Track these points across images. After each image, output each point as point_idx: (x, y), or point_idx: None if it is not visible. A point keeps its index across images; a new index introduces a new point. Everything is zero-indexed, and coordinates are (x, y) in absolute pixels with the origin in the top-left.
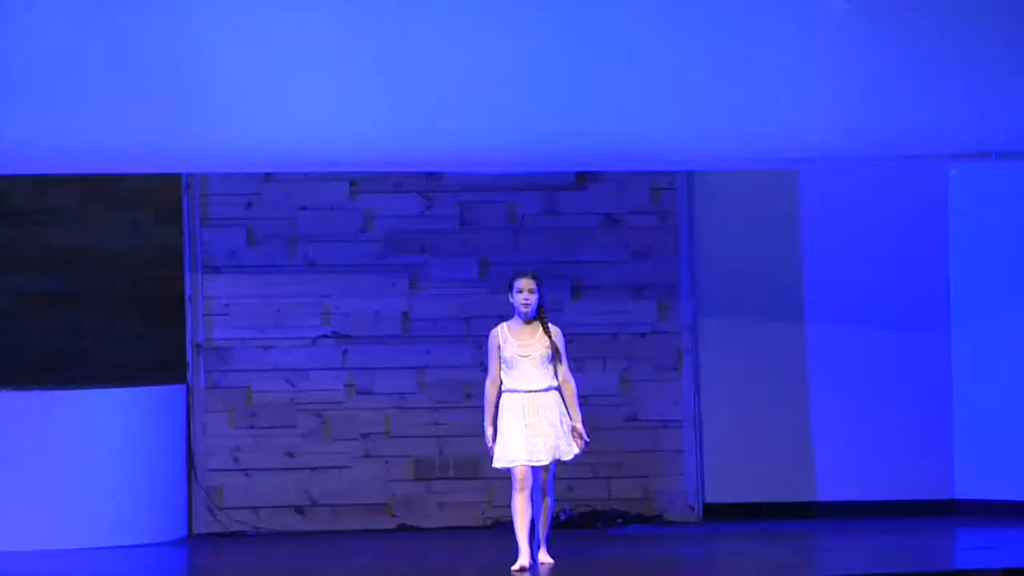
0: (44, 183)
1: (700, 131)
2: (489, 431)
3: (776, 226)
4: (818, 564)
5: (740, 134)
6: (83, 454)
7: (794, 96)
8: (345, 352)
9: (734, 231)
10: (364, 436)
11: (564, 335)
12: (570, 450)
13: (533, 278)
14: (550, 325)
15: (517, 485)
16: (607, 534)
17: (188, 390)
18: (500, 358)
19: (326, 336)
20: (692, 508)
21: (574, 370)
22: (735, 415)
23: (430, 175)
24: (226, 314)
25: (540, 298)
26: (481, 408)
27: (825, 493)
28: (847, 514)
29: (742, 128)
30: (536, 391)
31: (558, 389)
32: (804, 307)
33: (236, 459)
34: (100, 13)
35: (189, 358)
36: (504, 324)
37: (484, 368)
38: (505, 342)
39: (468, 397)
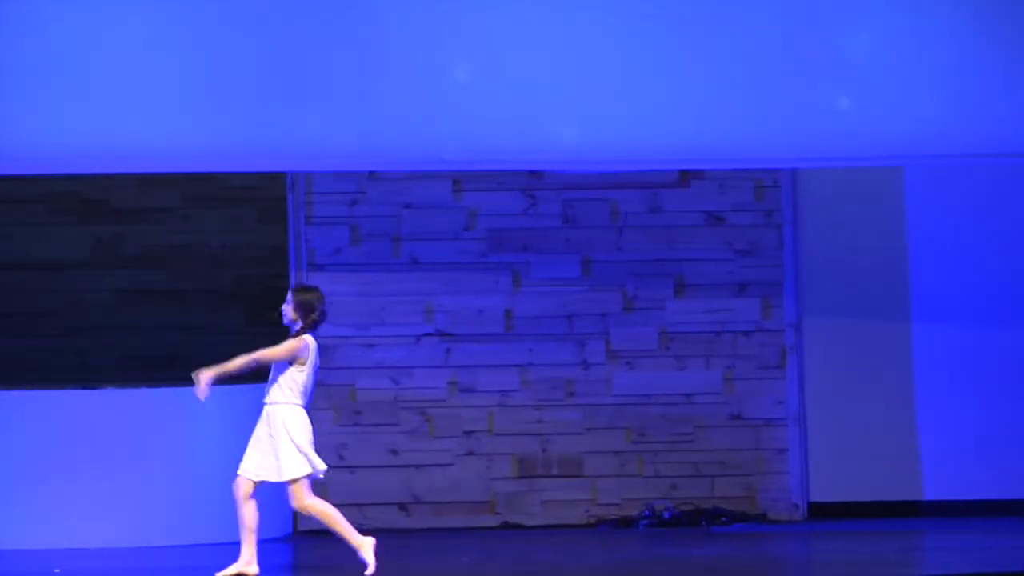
0: (148, 182)
1: (804, 128)
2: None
3: (882, 223)
4: (924, 563)
5: (845, 131)
6: (188, 451)
7: (900, 92)
8: (448, 350)
9: (839, 228)
10: (467, 434)
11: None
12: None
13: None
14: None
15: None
16: (711, 532)
17: None
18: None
19: (429, 334)
20: (796, 507)
21: (675, 368)
22: (840, 413)
23: (533, 173)
24: (330, 312)
25: (297, 309)
26: (583, 405)
27: (931, 492)
28: (954, 513)
29: (847, 125)
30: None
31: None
32: (911, 305)
33: (341, 456)
34: (202, 14)
35: None
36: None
37: (583, 365)
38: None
39: (571, 395)
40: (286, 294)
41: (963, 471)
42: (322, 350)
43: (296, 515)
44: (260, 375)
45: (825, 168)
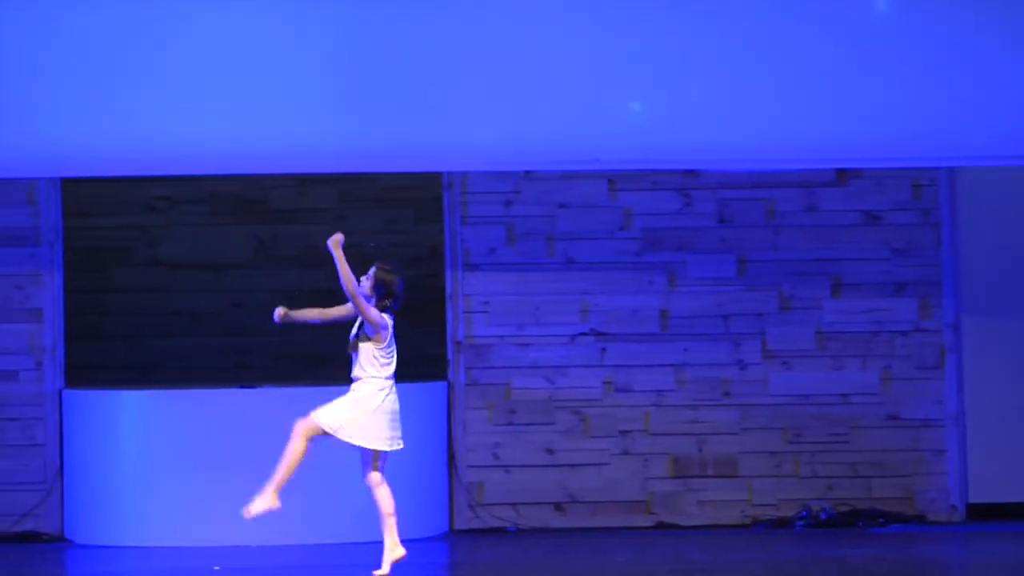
0: (306, 182)
1: (962, 126)
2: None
3: None
4: None
5: (1003, 128)
6: (346, 448)
7: None
8: (603, 350)
9: (998, 227)
10: (622, 433)
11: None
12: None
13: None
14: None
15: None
16: (868, 533)
17: (449, 387)
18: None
19: (584, 334)
20: (955, 508)
21: (832, 368)
22: (1000, 414)
23: (688, 172)
24: (486, 311)
25: (375, 287)
26: (739, 405)
27: None
28: None
29: (1005, 122)
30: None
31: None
32: None
33: (496, 455)
34: (362, 16)
35: (450, 355)
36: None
37: (739, 365)
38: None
39: (727, 395)
40: (390, 275)
41: None
42: (478, 349)
43: (452, 514)
44: (429, 376)
45: (984, 166)
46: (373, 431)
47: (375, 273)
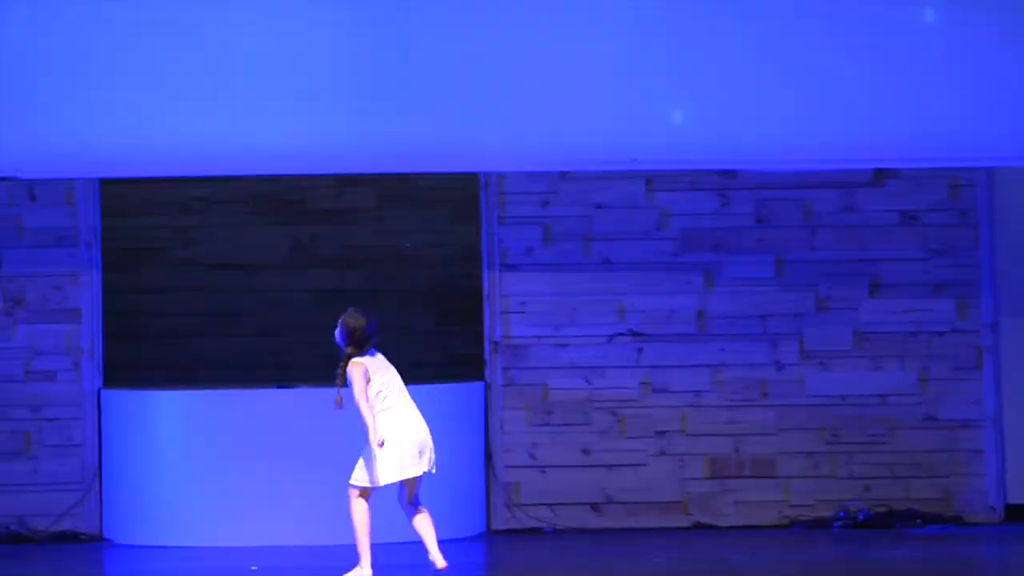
0: (342, 182)
1: (1000, 126)
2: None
3: None
4: None
5: None
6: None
7: None
8: (640, 350)
9: None
10: (659, 434)
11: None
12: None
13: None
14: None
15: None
16: (905, 534)
17: (486, 387)
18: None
19: (622, 334)
20: (993, 509)
21: (869, 368)
22: None
23: (726, 173)
24: (523, 312)
25: (341, 332)
26: (776, 406)
27: None
28: None
29: None
30: None
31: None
32: None
33: (533, 456)
34: (397, 17)
35: (487, 355)
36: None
37: (776, 365)
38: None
39: (764, 395)
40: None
41: None
42: (515, 349)
43: (489, 514)
44: (466, 376)
45: (1022, 166)
46: (397, 461)
47: (343, 321)
